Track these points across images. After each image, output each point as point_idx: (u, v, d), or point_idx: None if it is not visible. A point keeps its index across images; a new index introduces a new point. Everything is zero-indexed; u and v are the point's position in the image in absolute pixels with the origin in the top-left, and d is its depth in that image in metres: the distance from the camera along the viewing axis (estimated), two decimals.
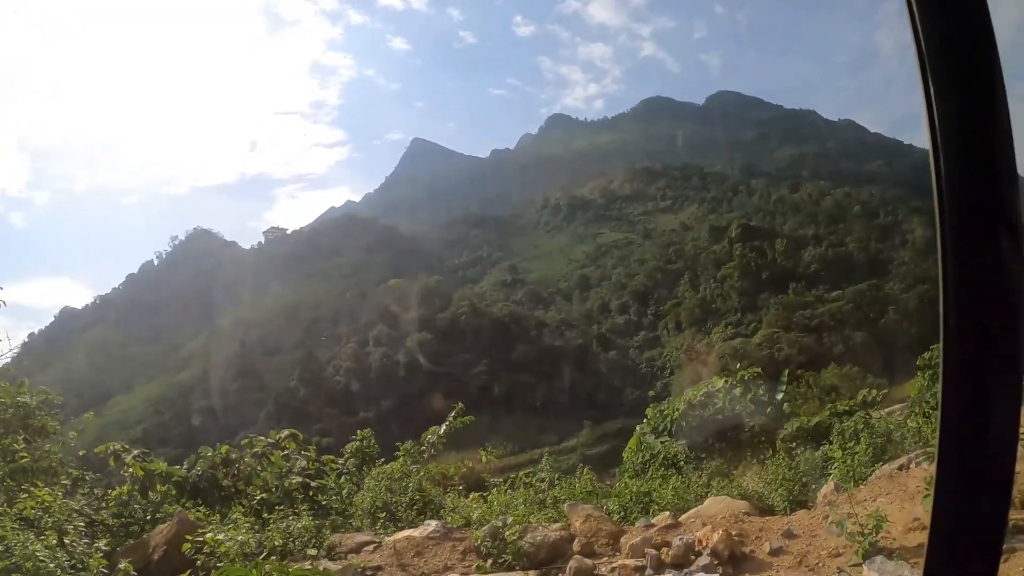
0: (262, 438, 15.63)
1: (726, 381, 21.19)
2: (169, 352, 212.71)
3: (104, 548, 9.79)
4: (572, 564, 8.57)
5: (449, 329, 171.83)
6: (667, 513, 10.32)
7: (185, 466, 14.89)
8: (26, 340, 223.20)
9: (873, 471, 11.20)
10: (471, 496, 13.43)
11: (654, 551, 8.57)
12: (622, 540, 9.40)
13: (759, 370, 22.26)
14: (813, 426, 18.07)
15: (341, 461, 18.49)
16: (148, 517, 13.53)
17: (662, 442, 19.28)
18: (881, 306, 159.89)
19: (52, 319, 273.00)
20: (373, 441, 19.24)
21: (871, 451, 12.55)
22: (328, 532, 11.44)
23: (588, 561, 8.70)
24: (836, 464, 12.81)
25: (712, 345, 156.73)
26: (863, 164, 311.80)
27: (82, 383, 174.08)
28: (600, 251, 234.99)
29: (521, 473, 22.20)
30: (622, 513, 12.53)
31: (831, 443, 14.72)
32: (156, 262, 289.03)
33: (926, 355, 18.71)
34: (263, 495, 14.33)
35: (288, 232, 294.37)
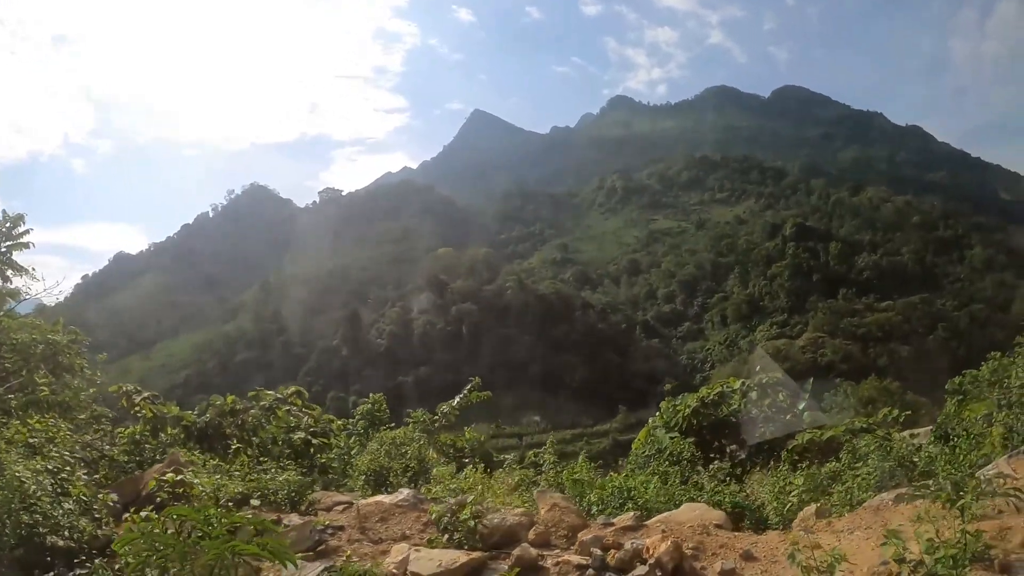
0: (270, 392, 16.28)
1: (743, 383, 21.00)
2: (218, 303, 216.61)
3: (97, 479, 10.32)
4: (516, 551, 8.58)
5: (494, 302, 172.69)
6: (631, 513, 10.04)
7: (196, 412, 15.52)
8: (80, 281, 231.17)
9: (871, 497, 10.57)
10: (465, 471, 13.60)
11: (600, 551, 8.50)
12: (579, 535, 9.24)
13: (780, 375, 21.93)
14: (825, 441, 17.69)
15: (351, 422, 19.04)
16: (155, 456, 14.18)
17: (671, 438, 19.10)
18: (931, 322, 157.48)
19: (107, 262, 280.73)
20: (384, 405, 19.75)
21: (877, 475, 11.87)
22: (317, 488, 11.87)
23: (532, 551, 8.68)
24: (836, 485, 12.26)
25: (754, 343, 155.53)
26: (927, 173, 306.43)
27: (131, 326, 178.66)
28: (652, 237, 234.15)
29: (531, 452, 22.47)
30: (601, 506, 12.29)
31: (839, 460, 14.24)
32: (211, 214, 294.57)
33: (956, 380, 18.13)
34: (269, 447, 14.89)
35: (343, 194, 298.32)
